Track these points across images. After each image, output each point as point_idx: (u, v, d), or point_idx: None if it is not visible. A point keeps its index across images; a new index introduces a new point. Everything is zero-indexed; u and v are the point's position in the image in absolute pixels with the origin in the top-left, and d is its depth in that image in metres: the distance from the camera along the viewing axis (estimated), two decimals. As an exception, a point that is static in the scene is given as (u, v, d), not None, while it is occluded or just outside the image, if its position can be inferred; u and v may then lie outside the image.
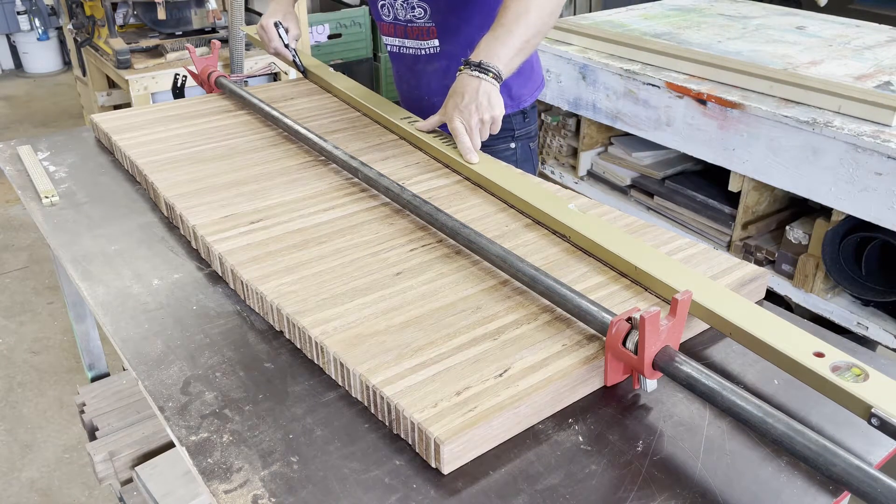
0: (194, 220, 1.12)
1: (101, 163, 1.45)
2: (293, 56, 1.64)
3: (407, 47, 1.60)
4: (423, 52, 1.58)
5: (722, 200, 2.31)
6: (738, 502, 0.70)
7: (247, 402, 0.83)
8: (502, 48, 1.25)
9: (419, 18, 1.53)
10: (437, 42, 1.55)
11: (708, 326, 0.94)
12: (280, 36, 1.61)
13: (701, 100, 2.17)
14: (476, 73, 1.23)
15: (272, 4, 1.66)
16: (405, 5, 1.52)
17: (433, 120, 1.36)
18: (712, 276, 0.98)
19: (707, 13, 2.93)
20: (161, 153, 1.36)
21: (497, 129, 1.28)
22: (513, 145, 1.64)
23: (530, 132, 1.67)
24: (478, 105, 1.23)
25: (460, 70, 1.27)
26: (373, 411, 0.80)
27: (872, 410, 0.71)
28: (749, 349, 0.83)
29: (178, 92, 1.88)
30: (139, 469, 1.52)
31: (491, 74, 1.23)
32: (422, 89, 1.62)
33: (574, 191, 1.26)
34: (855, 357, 0.78)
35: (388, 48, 1.67)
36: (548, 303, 0.92)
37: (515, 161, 1.62)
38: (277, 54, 1.64)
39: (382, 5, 1.58)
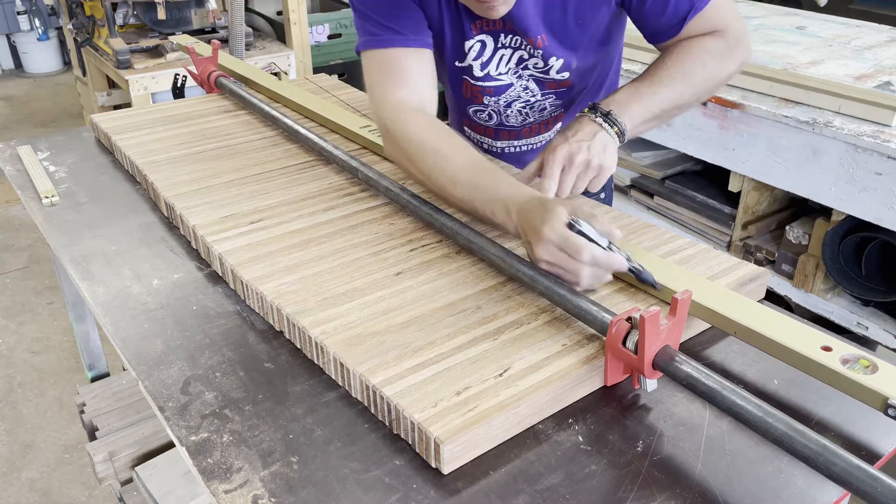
0: (194, 220, 1.12)
1: (101, 163, 1.45)
2: (629, 264, 0.90)
3: (516, 146, 1.34)
4: (541, 143, 1.33)
5: (722, 200, 2.31)
6: (738, 502, 0.70)
7: (247, 402, 0.83)
8: (640, 108, 1.05)
9: (546, 115, 1.30)
10: (560, 125, 1.33)
11: (708, 326, 0.94)
12: (587, 236, 0.88)
13: (701, 100, 2.17)
14: (599, 121, 1.04)
15: (534, 209, 0.92)
16: (525, 111, 1.25)
17: (533, 165, 1.08)
18: (712, 276, 0.98)
19: (707, 13, 2.93)
20: (161, 153, 1.36)
21: (600, 184, 1.04)
22: (602, 195, 1.41)
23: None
24: (590, 146, 1.02)
25: (582, 112, 1.07)
26: (373, 411, 0.80)
27: (890, 401, 0.71)
28: (756, 347, 0.83)
29: (178, 92, 1.88)
30: (139, 469, 1.52)
31: (615, 129, 1.04)
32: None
33: (574, 191, 1.25)
34: (855, 357, 0.78)
35: (479, 143, 1.38)
36: (548, 303, 0.92)
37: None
38: (600, 270, 0.89)
39: (478, 111, 1.29)
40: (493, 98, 1.24)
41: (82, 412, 1.68)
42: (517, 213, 0.94)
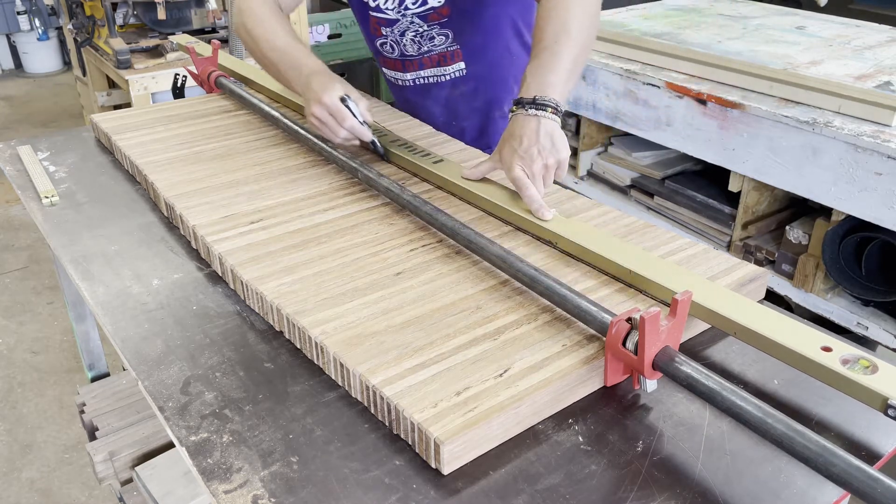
0: (194, 220, 1.12)
1: (101, 163, 1.45)
2: (372, 137, 1.26)
3: (423, 77, 1.47)
4: (445, 77, 1.45)
5: (722, 200, 2.32)
6: (738, 502, 0.70)
7: (247, 402, 0.83)
8: (552, 75, 1.08)
9: (439, 45, 1.41)
10: (462, 65, 1.43)
11: (708, 326, 0.94)
12: (352, 112, 1.20)
13: (701, 100, 2.17)
14: (533, 112, 1.06)
15: (321, 78, 1.22)
16: (418, 40, 1.40)
17: (483, 167, 1.16)
18: (712, 276, 0.98)
19: (707, 13, 2.93)
20: (161, 153, 1.36)
21: (563, 174, 1.09)
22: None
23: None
24: (540, 148, 1.05)
25: (513, 110, 1.10)
26: (373, 411, 0.80)
27: (890, 401, 0.71)
28: (756, 347, 0.83)
29: (178, 92, 1.87)
30: (139, 469, 1.52)
31: (549, 110, 1.06)
32: (448, 116, 1.50)
33: (574, 191, 1.25)
34: (855, 357, 0.78)
35: (395, 81, 1.53)
36: (548, 303, 0.92)
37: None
38: (351, 136, 1.23)
39: (383, 43, 1.45)
40: (388, 29, 1.42)
41: (82, 412, 1.68)
42: (306, 77, 1.23)
